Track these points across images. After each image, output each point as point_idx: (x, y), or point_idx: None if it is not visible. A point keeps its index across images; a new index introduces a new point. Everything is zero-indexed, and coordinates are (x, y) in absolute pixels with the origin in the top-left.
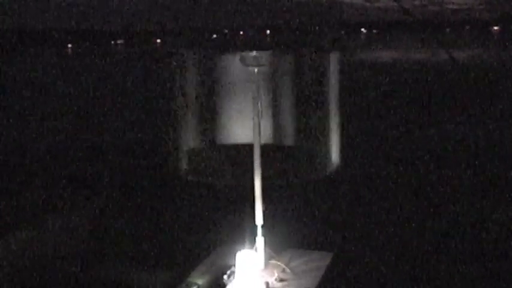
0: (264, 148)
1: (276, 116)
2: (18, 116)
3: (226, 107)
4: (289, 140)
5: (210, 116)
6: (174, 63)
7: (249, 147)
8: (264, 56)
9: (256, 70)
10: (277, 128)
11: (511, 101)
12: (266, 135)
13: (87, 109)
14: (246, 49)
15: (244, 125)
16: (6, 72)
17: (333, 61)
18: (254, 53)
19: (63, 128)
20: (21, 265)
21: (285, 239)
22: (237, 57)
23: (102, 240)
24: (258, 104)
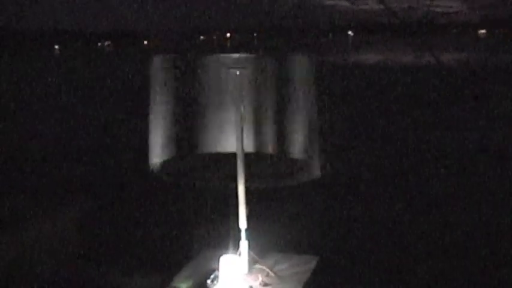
0: (247, 155)
1: (258, 121)
2: (3, 117)
3: (208, 111)
4: (272, 146)
5: (191, 122)
6: (155, 66)
7: (232, 154)
8: (246, 58)
9: (238, 73)
10: (259, 133)
11: (498, 104)
12: (249, 141)
13: (69, 111)
14: (229, 51)
15: (227, 130)
16: None
17: (318, 64)
18: (236, 55)
19: (45, 129)
20: (4, 268)
21: (270, 242)
22: (219, 59)
23: (84, 244)
24: (240, 108)
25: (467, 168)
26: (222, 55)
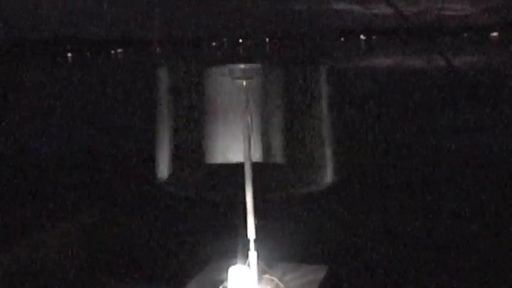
0: (255, 165)
1: (266, 131)
2: (9, 125)
3: (215, 122)
4: (280, 157)
5: (199, 132)
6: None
7: (240, 165)
8: (253, 68)
9: (244, 83)
10: (267, 144)
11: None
12: (257, 151)
13: (76, 121)
14: (235, 61)
15: (234, 140)
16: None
17: (327, 72)
18: (242, 65)
19: (52, 138)
20: (8, 280)
21: (279, 252)
22: (225, 69)
23: (91, 255)
24: (247, 118)
25: (483, 172)
26: (228, 65)
